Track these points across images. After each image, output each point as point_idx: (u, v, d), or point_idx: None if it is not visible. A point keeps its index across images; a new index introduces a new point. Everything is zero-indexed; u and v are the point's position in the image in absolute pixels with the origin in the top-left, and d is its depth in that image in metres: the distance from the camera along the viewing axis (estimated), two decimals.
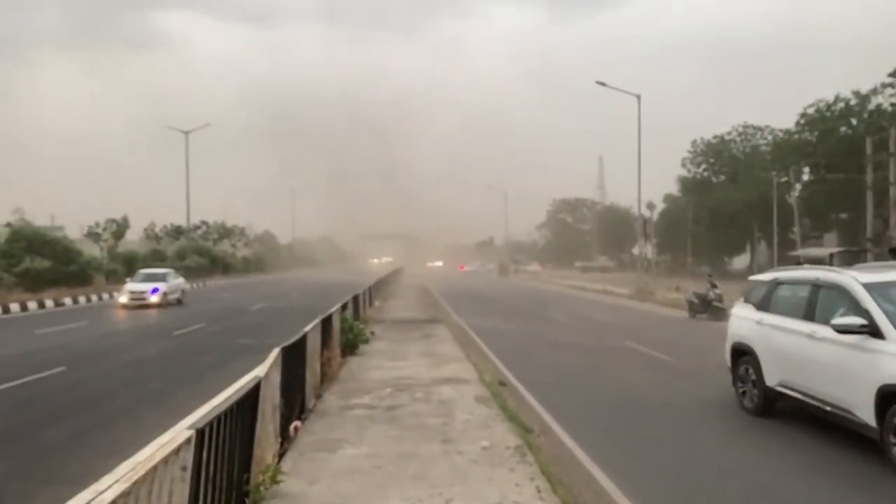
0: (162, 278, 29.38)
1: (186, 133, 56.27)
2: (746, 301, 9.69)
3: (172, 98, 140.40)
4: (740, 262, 69.07)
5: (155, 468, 2.92)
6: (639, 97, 35.24)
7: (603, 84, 35.69)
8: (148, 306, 27.25)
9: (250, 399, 4.89)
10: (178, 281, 31.05)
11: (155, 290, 27.95)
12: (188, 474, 3.36)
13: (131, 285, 28.61)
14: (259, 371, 5.43)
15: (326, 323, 10.86)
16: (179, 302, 29.51)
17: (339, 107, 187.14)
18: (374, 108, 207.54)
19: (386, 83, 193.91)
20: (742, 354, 9.23)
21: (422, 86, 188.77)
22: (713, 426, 8.58)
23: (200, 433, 3.51)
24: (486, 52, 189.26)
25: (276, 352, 6.36)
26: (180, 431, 3.46)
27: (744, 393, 9.05)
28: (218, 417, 3.90)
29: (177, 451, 3.22)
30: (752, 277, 10.26)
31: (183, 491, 3.33)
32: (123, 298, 27.81)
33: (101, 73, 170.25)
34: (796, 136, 52.50)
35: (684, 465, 6.92)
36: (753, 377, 8.82)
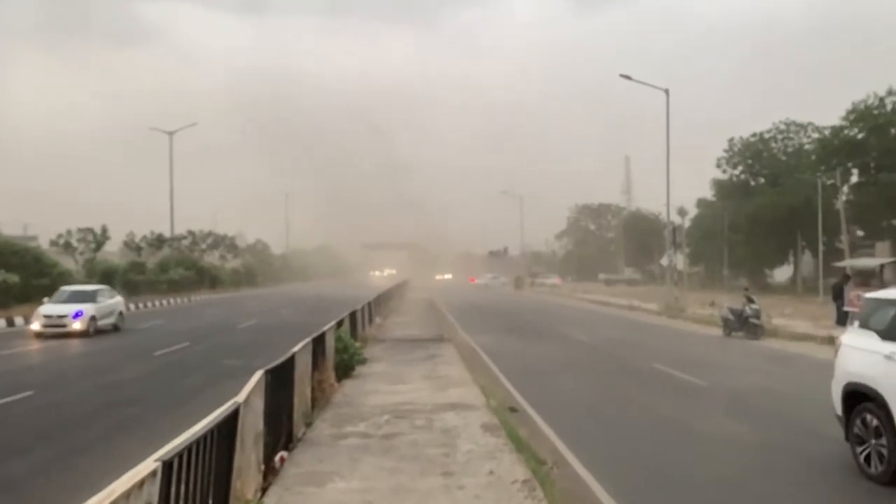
0: (90, 297, 24.81)
1: (171, 134, 56.77)
2: (864, 326, 8.09)
3: (156, 97, 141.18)
4: (782, 274, 68.65)
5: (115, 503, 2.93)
6: (667, 92, 35.23)
7: (628, 78, 35.75)
8: (69, 335, 22.99)
9: (227, 427, 4.91)
10: (113, 301, 26.41)
11: (78, 314, 23.55)
12: None
13: (47, 307, 24.09)
14: (239, 396, 5.44)
15: (318, 342, 10.90)
16: (116, 328, 25.39)
17: (340, 106, 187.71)
18: (377, 107, 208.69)
19: (391, 79, 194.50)
20: (862, 399, 7.56)
21: (430, 82, 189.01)
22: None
23: (167, 465, 3.52)
24: (500, 45, 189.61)
25: (258, 374, 6.39)
26: (145, 463, 3.48)
27: (867, 453, 7.39)
28: (189, 448, 3.92)
29: (140, 485, 3.23)
30: (869, 295, 8.70)
31: None
32: (36, 325, 23.46)
33: (78, 70, 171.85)
34: (844, 133, 52.22)
35: None
36: (880, 431, 7.21)
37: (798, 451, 8.76)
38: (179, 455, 3.75)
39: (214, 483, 4.67)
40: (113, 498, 2.96)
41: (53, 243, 46.38)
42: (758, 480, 7.51)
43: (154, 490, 3.40)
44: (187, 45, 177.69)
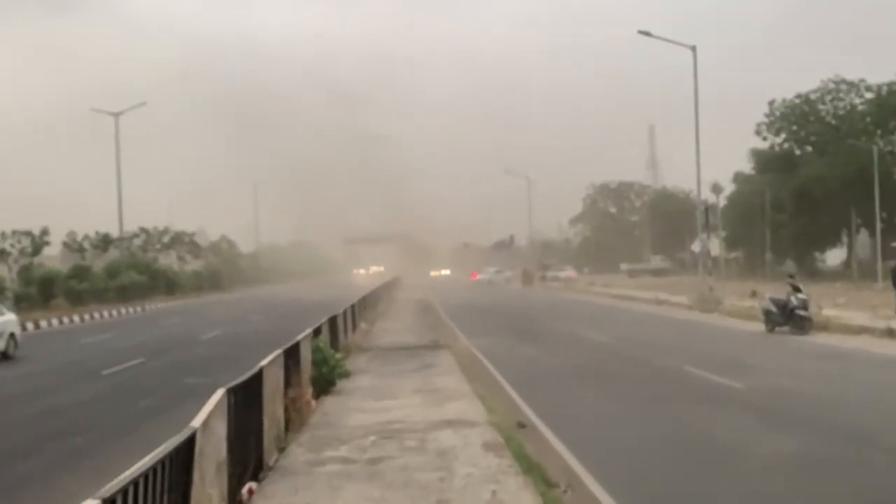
0: None
1: (116, 115, 56.56)
2: None
3: (98, 74, 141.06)
4: (834, 257, 68.81)
5: None
6: (694, 49, 35.30)
7: (648, 34, 35.77)
8: None
9: (181, 457, 4.94)
10: (4, 319, 23.01)
11: None
12: None
13: None
14: (195, 420, 5.47)
15: (291, 354, 10.93)
16: (4, 356, 22.01)
17: (314, 80, 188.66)
18: (358, 77, 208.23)
19: (372, 42, 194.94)
20: None
21: (417, 46, 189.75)
22: None
23: (107, 502, 3.55)
24: (500, 5, 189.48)
25: (219, 394, 6.41)
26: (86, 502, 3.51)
27: None
28: (134, 482, 3.95)
29: None
30: None
31: None
32: None
33: (5, 43, 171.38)
34: None
35: None
36: None
37: (859, 468, 8.74)
38: (123, 492, 3.78)
39: None
40: None
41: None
42: None
43: None
44: (132, 12, 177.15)
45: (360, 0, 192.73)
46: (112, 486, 3.72)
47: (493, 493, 7.15)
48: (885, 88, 56.98)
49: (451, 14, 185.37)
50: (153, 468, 4.27)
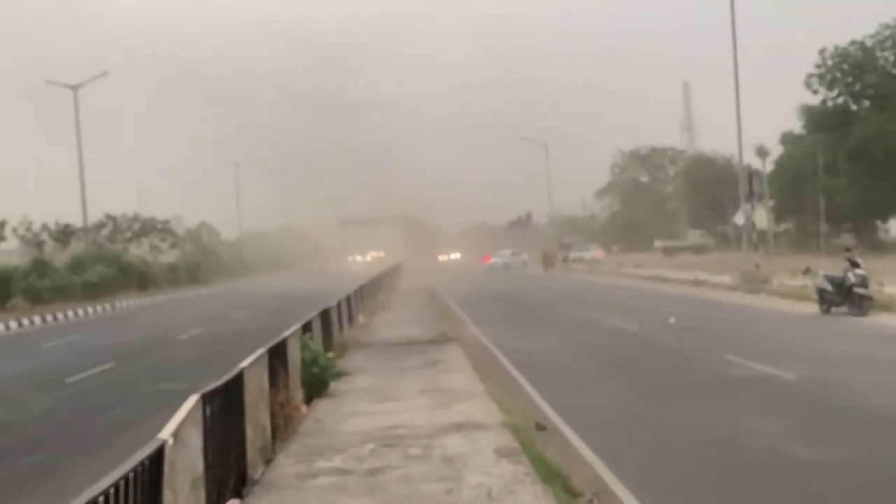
0: None
1: (75, 88, 56.46)
2: None
3: (52, 44, 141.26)
4: None
5: None
6: None
7: None
8: None
9: (149, 472, 4.95)
10: None
11: None
12: None
13: None
14: (163, 431, 5.49)
15: (277, 354, 10.96)
16: None
17: (301, 42, 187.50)
18: (349, 39, 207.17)
19: (365, 2, 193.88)
20: None
21: (419, 4, 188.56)
22: None
23: None
24: None
25: (192, 400, 6.44)
26: None
27: None
28: (93, 502, 3.96)
29: None
30: None
31: None
32: None
33: None
34: None
35: None
36: None
37: None
38: None
39: None
40: None
41: None
42: None
43: None
44: None
45: None
46: None
47: (480, 483, 7.17)
48: None
49: None
50: (114, 486, 4.29)
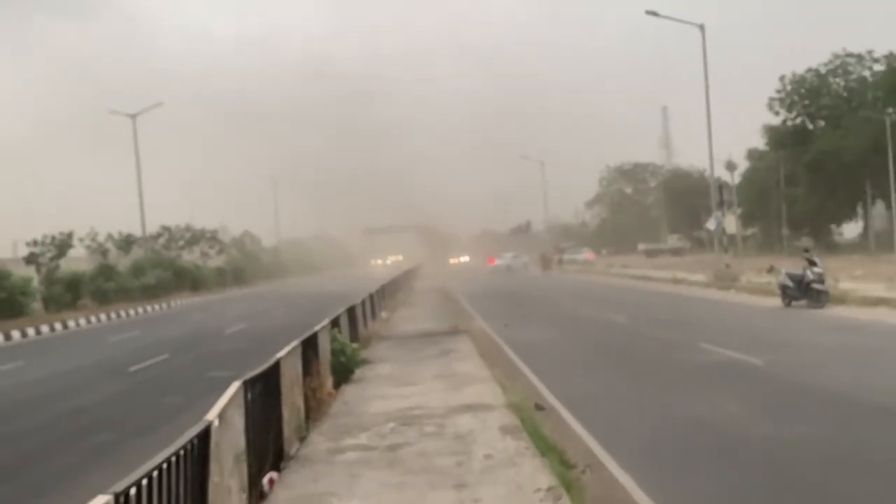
0: None
1: (133, 117, 56.79)
2: None
3: (114, 78, 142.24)
4: (851, 230, 68.15)
5: None
6: (702, 27, 34.92)
7: (655, 14, 35.41)
8: None
9: (197, 450, 4.93)
10: None
11: None
12: None
13: None
14: (209, 413, 5.47)
15: (309, 345, 10.94)
16: None
17: (329, 71, 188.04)
18: (371, 71, 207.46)
19: (385, 38, 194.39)
20: None
21: (433, 38, 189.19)
22: None
23: (120, 497, 3.54)
24: None
25: (235, 386, 6.41)
26: (97, 499, 3.50)
27: None
28: (147, 475, 3.94)
29: None
30: None
31: None
32: None
33: (20, 49, 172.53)
34: None
35: None
36: None
37: (887, 445, 8.61)
38: (135, 485, 3.77)
39: None
40: None
41: (31, 253, 46.25)
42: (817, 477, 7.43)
43: None
44: (146, 15, 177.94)
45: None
46: (124, 482, 3.71)
47: (487, 456, 7.12)
48: (895, 60, 56.15)
49: (465, 4, 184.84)
50: (166, 462, 4.27)
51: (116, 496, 3.52)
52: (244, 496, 6.35)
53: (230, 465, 5.91)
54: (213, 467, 5.28)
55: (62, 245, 46.43)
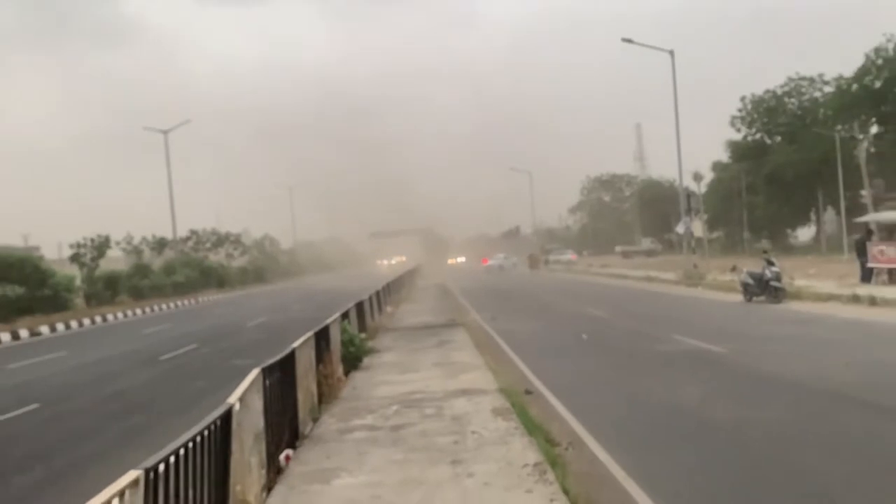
0: None
1: (165, 133, 56.75)
2: None
3: (148, 97, 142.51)
4: (806, 234, 68.16)
5: None
6: (672, 53, 34.94)
7: (630, 41, 35.39)
8: None
9: (220, 430, 4.90)
10: None
11: None
12: None
13: None
14: (231, 397, 5.43)
15: (322, 336, 10.89)
16: None
17: (339, 91, 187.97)
18: (376, 91, 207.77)
19: (389, 62, 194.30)
20: None
21: (429, 62, 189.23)
22: None
23: (150, 473, 3.51)
24: (501, 19, 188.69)
25: (255, 373, 6.38)
26: (129, 473, 3.47)
27: None
28: (175, 452, 3.91)
29: (120, 494, 3.22)
30: None
31: None
32: None
33: (65, 73, 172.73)
34: (866, 81, 51.28)
35: None
36: None
37: (833, 419, 8.67)
38: (164, 460, 3.74)
39: (211, 487, 4.67)
40: None
41: (75, 253, 46.11)
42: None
43: (138, 499, 3.39)
44: (176, 41, 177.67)
45: (384, 25, 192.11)
46: (154, 458, 3.68)
47: (473, 433, 7.07)
48: (843, 83, 56.24)
49: (461, 32, 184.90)
50: (192, 441, 4.24)
51: (147, 471, 3.48)
52: (263, 471, 6.31)
53: (250, 443, 5.87)
54: (235, 445, 5.25)
55: (100, 246, 46.28)
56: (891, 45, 48.85)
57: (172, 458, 3.88)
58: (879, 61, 50.26)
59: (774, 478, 6.59)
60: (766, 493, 6.26)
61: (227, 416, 5.08)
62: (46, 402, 13.28)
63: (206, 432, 4.53)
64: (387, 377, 12.25)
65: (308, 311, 31.43)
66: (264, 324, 27.38)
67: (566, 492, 5.86)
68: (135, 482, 3.36)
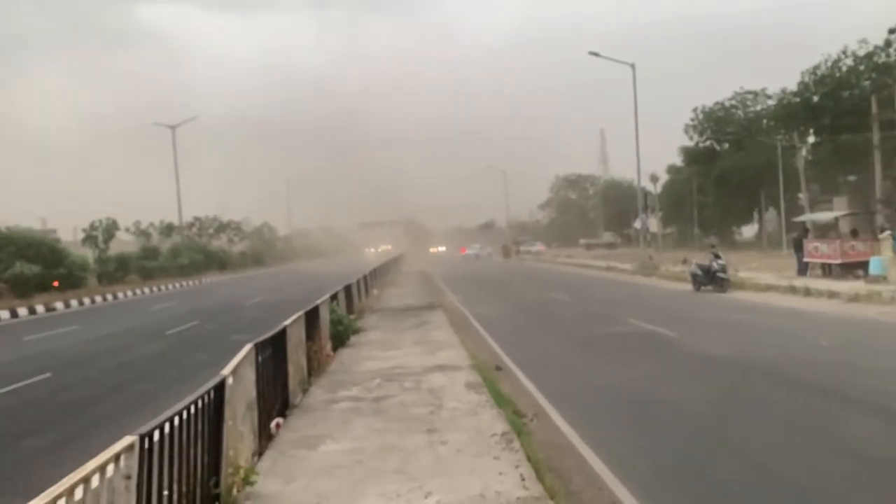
0: None
1: (173, 128, 55.94)
2: None
3: (157, 95, 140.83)
4: (749, 231, 68.74)
5: (87, 479, 2.81)
6: (633, 66, 34.87)
7: (596, 55, 35.31)
8: None
9: (213, 399, 4.79)
10: None
11: None
12: (133, 483, 3.27)
13: None
14: (224, 369, 5.32)
15: (312, 315, 10.78)
16: None
17: (331, 92, 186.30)
18: (366, 93, 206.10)
19: (377, 68, 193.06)
20: None
21: (413, 69, 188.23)
22: None
23: (145, 438, 3.40)
24: (479, 31, 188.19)
25: (247, 347, 6.27)
26: (124, 438, 3.36)
27: None
28: (169, 420, 3.81)
29: (116, 458, 3.12)
30: None
31: (129, 501, 3.23)
32: None
33: (83, 73, 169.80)
34: (805, 96, 51.73)
35: None
36: None
37: (768, 394, 8.72)
38: (158, 427, 3.63)
39: (205, 452, 4.58)
40: (86, 472, 2.84)
41: (88, 235, 45.47)
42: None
43: (133, 463, 3.28)
44: (184, 44, 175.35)
45: (372, 32, 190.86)
46: (149, 425, 3.58)
47: (454, 407, 7.03)
48: (785, 98, 56.73)
49: (445, 41, 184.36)
50: (186, 409, 4.14)
51: (142, 437, 3.38)
52: (254, 437, 6.22)
53: (243, 412, 5.77)
54: (227, 413, 5.15)
55: (108, 228, 45.71)
56: (827, 65, 49.25)
57: (167, 426, 3.77)
58: (815, 77, 50.66)
59: (714, 445, 6.62)
60: (707, 458, 6.28)
61: (220, 387, 4.98)
62: (58, 371, 13.06)
63: (200, 402, 4.43)
64: (371, 353, 12.16)
65: (302, 291, 31.17)
66: (262, 303, 27.16)
67: (530, 458, 5.82)
68: (130, 447, 3.26)
